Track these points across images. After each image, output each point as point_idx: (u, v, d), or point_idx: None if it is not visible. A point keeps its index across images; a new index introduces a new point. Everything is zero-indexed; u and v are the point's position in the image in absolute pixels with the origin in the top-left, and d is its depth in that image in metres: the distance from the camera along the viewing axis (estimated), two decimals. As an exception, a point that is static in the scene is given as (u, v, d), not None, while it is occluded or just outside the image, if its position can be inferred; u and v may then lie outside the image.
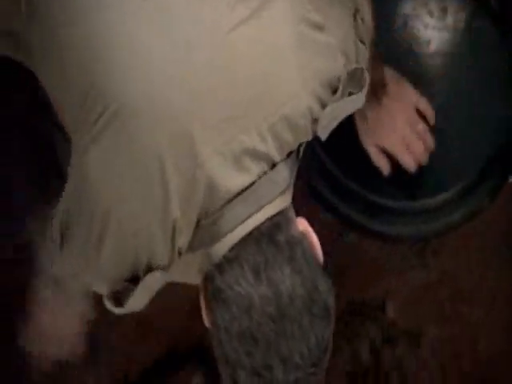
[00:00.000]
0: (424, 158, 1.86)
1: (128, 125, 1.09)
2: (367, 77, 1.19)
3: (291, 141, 1.16)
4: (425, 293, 2.24)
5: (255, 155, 1.12)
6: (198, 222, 1.12)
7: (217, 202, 1.11)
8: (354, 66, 1.19)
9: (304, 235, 1.16)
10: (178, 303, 1.93)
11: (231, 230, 1.12)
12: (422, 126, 1.84)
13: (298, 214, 1.22)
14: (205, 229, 1.12)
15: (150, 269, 1.12)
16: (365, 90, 1.20)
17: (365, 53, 1.32)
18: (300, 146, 1.21)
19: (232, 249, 1.11)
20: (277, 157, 1.14)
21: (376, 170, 1.87)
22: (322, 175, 1.91)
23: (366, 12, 1.35)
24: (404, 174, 1.88)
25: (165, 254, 1.12)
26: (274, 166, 1.15)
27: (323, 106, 1.17)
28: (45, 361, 2.11)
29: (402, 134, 1.82)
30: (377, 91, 1.72)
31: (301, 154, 1.22)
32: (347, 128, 1.57)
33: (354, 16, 1.32)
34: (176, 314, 2.04)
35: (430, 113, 1.86)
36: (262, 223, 1.12)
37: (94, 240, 1.12)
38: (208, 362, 2.20)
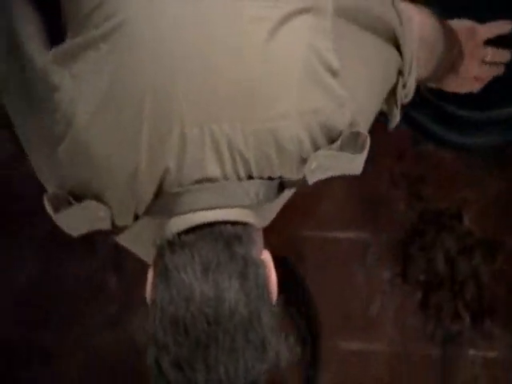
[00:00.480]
0: (498, 72, 1.82)
1: (127, 44, 1.08)
2: (368, 143, 1.17)
3: (274, 161, 1.13)
4: (502, 203, 2.21)
5: (233, 150, 1.10)
6: (161, 187, 1.11)
7: (185, 175, 1.10)
8: (358, 129, 1.16)
9: (263, 264, 1.13)
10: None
11: (191, 211, 1.10)
12: (490, 54, 1.80)
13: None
14: (167, 198, 1.11)
15: (99, 200, 1.12)
16: (364, 154, 1.17)
17: (396, 115, 1.32)
18: (284, 182, 1.17)
19: (189, 233, 1.09)
20: (254, 168, 1.12)
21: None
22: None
23: (413, 73, 1.33)
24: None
25: (118, 195, 1.12)
26: (250, 178, 1.13)
27: (315, 148, 1.14)
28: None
29: (473, 77, 1.79)
30: (455, 65, 1.70)
31: (283, 193, 1.18)
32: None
33: (397, 78, 1.30)
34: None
35: (504, 29, 1.82)
36: (224, 225, 1.10)
37: (55, 134, 1.13)
38: (281, 272, 2.23)
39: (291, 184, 1.17)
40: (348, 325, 2.22)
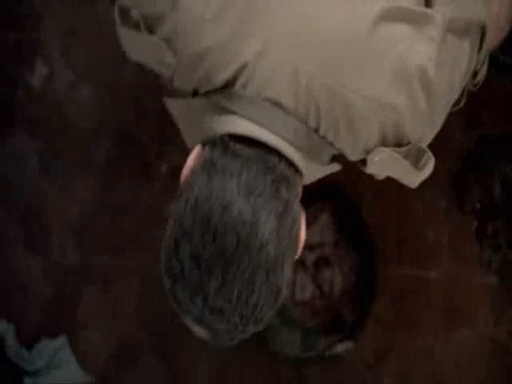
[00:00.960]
0: None
1: None
2: (431, 166, 1.21)
3: (341, 131, 1.12)
4: None
5: (311, 95, 1.09)
6: (234, 82, 1.10)
7: (260, 85, 1.10)
8: (423, 146, 1.19)
9: (299, 220, 1.11)
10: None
11: (255, 122, 1.09)
12: None
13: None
14: (237, 96, 1.10)
15: (169, 46, 1.12)
16: (423, 174, 1.21)
17: (461, 102, 1.31)
18: (338, 156, 1.16)
19: (244, 145, 1.08)
20: (323, 125, 1.12)
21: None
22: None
23: (486, 63, 1.31)
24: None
25: (185, 59, 1.11)
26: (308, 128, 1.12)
27: (383, 142, 1.15)
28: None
29: None
30: None
31: (332, 164, 1.17)
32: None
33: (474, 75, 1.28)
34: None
35: None
36: (279, 160, 1.09)
37: None
38: (336, 200, 2.23)
39: (343, 161, 1.17)
40: (403, 252, 2.22)
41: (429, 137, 1.21)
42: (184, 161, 1.13)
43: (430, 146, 1.21)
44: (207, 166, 1.07)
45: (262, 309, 1.05)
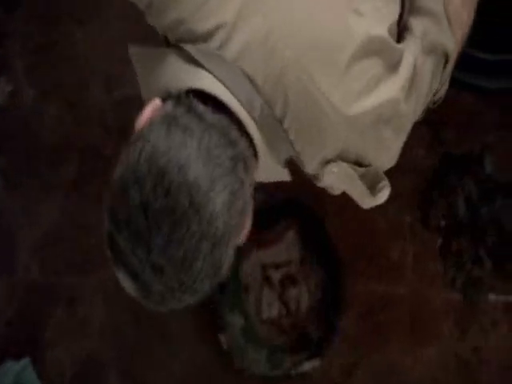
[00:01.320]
0: None
1: None
2: (386, 195, 1.21)
3: (304, 131, 1.12)
4: (525, 148, 2.19)
5: (282, 82, 1.09)
6: (210, 39, 1.09)
7: (233, 51, 1.09)
8: (381, 172, 1.20)
9: (250, 207, 1.10)
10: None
11: (214, 73, 1.08)
12: None
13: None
14: (210, 54, 1.09)
15: None
16: (377, 200, 1.20)
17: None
18: (292, 160, 1.16)
19: (208, 108, 1.06)
20: (288, 120, 1.11)
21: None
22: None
23: (447, 82, 1.32)
24: (502, 26, 1.82)
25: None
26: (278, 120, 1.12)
27: (343, 158, 1.14)
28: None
29: None
30: None
31: (284, 168, 1.17)
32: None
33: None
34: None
35: None
36: (240, 136, 1.07)
37: None
38: (302, 217, 2.24)
39: (296, 169, 1.16)
40: (369, 268, 2.23)
41: (389, 162, 1.22)
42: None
43: (397, 163, 1.22)
44: (167, 120, 1.04)
45: (202, 280, 1.02)
